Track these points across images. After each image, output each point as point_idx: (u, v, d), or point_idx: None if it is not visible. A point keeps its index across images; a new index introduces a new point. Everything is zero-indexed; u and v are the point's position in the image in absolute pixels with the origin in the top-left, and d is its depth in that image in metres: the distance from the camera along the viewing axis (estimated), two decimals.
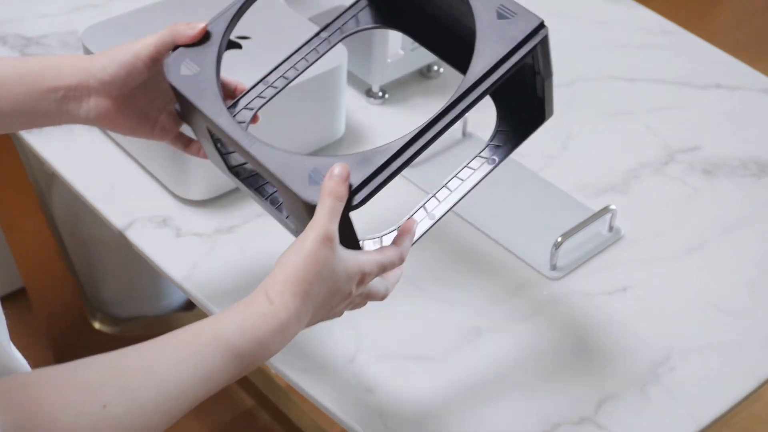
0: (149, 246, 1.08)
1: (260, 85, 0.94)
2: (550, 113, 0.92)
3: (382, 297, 0.86)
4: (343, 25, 0.98)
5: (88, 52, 1.15)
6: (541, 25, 0.83)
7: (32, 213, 1.65)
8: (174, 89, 0.88)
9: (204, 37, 0.90)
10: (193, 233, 1.11)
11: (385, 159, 0.80)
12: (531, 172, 1.21)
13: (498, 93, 0.91)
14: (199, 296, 1.04)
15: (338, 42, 0.97)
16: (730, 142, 1.28)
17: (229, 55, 1.15)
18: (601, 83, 1.37)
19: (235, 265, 1.07)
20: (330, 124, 1.20)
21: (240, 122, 0.89)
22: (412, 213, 0.87)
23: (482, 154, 0.90)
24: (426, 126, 0.81)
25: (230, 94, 0.95)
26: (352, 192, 0.79)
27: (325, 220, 0.78)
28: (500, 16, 0.84)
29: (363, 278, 0.81)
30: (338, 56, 1.17)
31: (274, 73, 0.95)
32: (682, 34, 1.47)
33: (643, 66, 1.40)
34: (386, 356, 1.00)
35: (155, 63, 0.89)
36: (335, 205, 0.78)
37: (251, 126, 0.92)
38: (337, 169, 0.79)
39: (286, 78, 0.95)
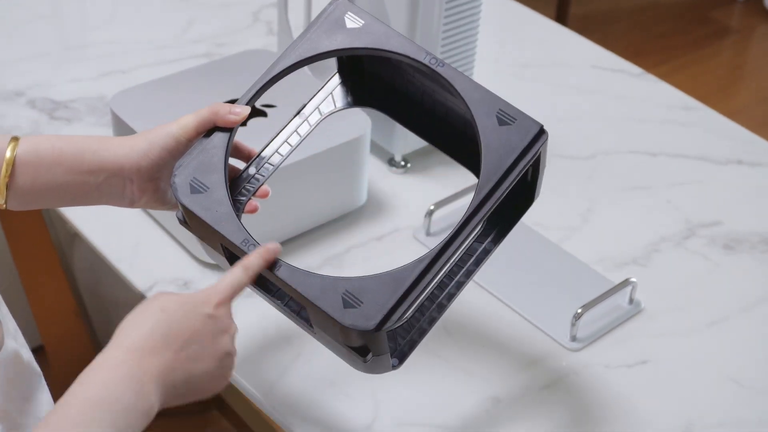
0: None
1: (249, 170, 0.94)
2: (537, 195, 0.92)
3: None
4: (319, 104, 0.99)
5: (116, 117, 1.17)
6: (542, 131, 0.85)
7: (53, 272, 1.66)
8: (185, 208, 0.86)
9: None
10: None
11: (415, 276, 0.80)
12: (552, 243, 1.21)
13: None
14: None
15: (317, 124, 0.97)
16: (750, 218, 1.28)
17: (253, 122, 1.17)
18: (623, 157, 1.38)
19: (253, 329, 1.07)
20: (352, 192, 1.21)
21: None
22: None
23: (482, 242, 0.91)
24: (447, 241, 0.82)
25: (245, 158, 0.94)
26: (386, 317, 0.79)
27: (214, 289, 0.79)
28: (501, 122, 0.85)
29: (218, 301, 0.79)
30: (362, 126, 1.18)
31: (257, 160, 0.94)
32: (703, 109, 1.48)
33: (665, 141, 1.41)
34: (404, 423, 0.99)
35: (194, 142, 0.89)
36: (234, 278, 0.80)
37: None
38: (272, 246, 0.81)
39: (272, 164, 0.94)
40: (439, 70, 0.87)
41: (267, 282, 0.86)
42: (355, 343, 0.81)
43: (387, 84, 1.00)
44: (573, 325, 1.07)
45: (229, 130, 0.89)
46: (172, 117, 1.16)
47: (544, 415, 1.01)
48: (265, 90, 0.92)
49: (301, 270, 0.81)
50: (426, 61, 0.88)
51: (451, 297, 0.88)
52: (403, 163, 1.31)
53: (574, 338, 1.08)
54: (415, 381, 1.03)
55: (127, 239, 1.18)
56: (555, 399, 1.03)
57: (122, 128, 1.17)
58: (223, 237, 0.84)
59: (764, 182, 1.35)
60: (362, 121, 1.19)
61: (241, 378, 1.02)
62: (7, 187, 0.85)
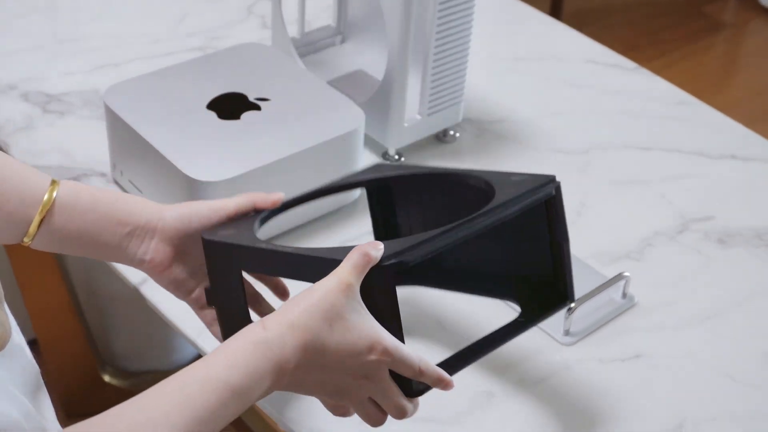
0: (163, 301, 1.09)
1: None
2: (572, 297, 0.97)
3: (400, 409, 0.80)
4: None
5: (110, 111, 1.16)
6: (553, 180, 0.92)
7: (47, 265, 1.66)
8: (206, 242, 0.88)
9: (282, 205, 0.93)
10: None
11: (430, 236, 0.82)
12: None
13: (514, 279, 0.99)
14: (209, 352, 1.03)
15: None
16: (744, 213, 1.28)
17: (247, 116, 1.17)
18: (617, 151, 1.38)
19: None
20: None
21: None
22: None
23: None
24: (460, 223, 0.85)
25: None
26: (398, 253, 0.79)
27: (346, 271, 0.76)
28: (514, 179, 0.92)
29: (381, 350, 0.76)
30: (355, 119, 1.18)
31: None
32: (697, 104, 1.48)
33: (659, 135, 1.41)
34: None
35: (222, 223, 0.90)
36: (361, 259, 0.76)
37: None
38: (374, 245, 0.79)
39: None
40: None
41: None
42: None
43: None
44: (566, 319, 1.08)
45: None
46: (166, 110, 1.17)
47: (538, 410, 1.01)
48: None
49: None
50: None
51: None
52: (396, 156, 1.31)
53: (567, 332, 1.08)
54: None
55: None
56: (548, 393, 1.03)
57: (116, 122, 1.17)
58: (244, 247, 0.86)
59: (758, 177, 1.35)
60: (356, 114, 1.18)
61: None
62: (40, 225, 0.86)
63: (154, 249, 0.89)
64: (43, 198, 0.86)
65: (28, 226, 0.86)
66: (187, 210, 0.89)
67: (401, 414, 0.80)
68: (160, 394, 0.72)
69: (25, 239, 0.87)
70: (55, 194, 0.86)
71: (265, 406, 0.99)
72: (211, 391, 0.72)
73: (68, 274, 1.70)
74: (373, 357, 0.76)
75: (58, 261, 1.67)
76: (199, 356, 1.92)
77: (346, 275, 0.76)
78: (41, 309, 1.71)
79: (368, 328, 0.76)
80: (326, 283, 0.76)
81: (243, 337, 0.75)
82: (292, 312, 0.75)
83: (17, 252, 1.61)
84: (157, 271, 0.91)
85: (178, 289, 0.93)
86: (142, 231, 0.88)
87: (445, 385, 0.80)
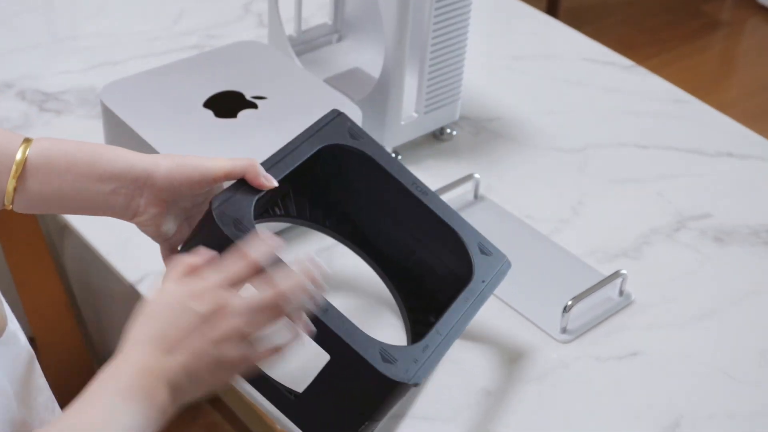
0: None
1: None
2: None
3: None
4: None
5: (106, 109, 1.16)
6: (508, 263, 1.02)
7: (43, 264, 1.66)
8: (211, 218, 0.85)
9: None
10: None
11: (438, 342, 0.91)
12: (542, 235, 1.21)
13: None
14: None
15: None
16: (741, 211, 1.28)
17: (244, 114, 1.17)
18: (613, 150, 1.38)
19: None
20: None
21: None
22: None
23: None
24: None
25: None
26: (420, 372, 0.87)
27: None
28: (482, 251, 1.01)
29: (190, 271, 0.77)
30: (353, 117, 1.18)
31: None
32: (694, 102, 1.48)
33: (655, 133, 1.41)
34: (395, 415, 0.99)
35: (217, 183, 0.88)
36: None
37: None
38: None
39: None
40: (422, 198, 1.00)
41: None
42: (379, 397, 0.86)
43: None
44: (563, 317, 1.08)
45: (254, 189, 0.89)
46: (162, 108, 1.16)
47: (535, 407, 1.01)
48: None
49: (346, 320, 0.85)
50: (412, 189, 1.00)
51: None
52: (394, 155, 1.31)
53: (564, 330, 1.08)
54: None
55: (117, 231, 1.17)
56: (545, 391, 1.03)
57: (112, 120, 1.16)
58: None
59: (755, 175, 1.35)
60: (353, 112, 1.18)
61: None
62: (15, 190, 0.84)
63: (146, 204, 0.86)
64: (15, 158, 0.83)
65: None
66: (178, 174, 0.86)
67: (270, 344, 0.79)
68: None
69: (6, 203, 0.84)
70: (28, 152, 0.83)
71: (265, 406, 0.99)
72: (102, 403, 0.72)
73: (65, 272, 1.70)
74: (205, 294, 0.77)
75: (53, 258, 1.67)
76: None
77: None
78: (38, 306, 1.71)
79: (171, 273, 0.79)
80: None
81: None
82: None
83: (13, 249, 1.61)
84: (144, 225, 0.89)
85: (160, 237, 0.91)
86: (129, 189, 0.85)
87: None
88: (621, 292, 1.13)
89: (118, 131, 1.16)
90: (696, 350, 1.09)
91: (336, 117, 1.00)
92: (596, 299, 1.12)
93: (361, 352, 0.83)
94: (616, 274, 1.12)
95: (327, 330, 0.83)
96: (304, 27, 1.42)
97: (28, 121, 1.34)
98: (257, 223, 0.88)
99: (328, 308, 0.84)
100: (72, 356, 1.80)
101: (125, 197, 0.86)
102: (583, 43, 1.61)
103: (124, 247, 1.16)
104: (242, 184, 0.88)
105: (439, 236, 1.01)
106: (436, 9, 1.22)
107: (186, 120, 1.15)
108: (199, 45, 1.50)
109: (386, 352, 0.85)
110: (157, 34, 1.53)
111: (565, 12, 3.19)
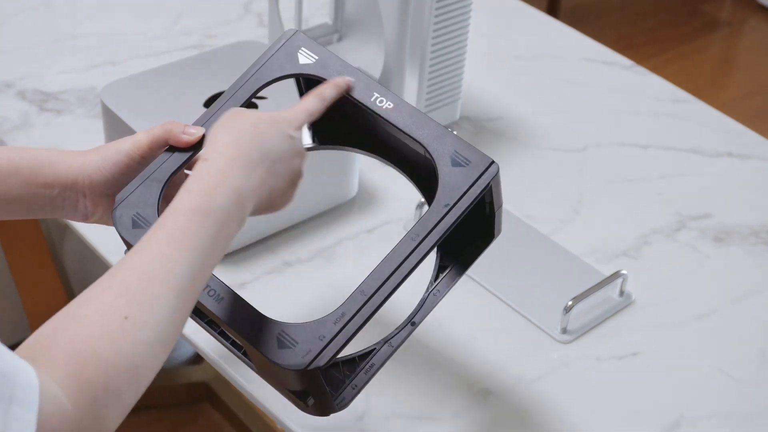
0: None
1: None
2: (499, 232, 0.94)
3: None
4: None
5: (106, 109, 1.16)
6: (492, 163, 0.86)
7: (44, 264, 1.66)
8: (128, 243, 0.84)
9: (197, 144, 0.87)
10: None
11: (352, 313, 0.80)
12: (543, 235, 1.21)
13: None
14: (207, 350, 1.04)
15: None
16: (741, 210, 1.28)
17: None
18: (614, 149, 1.38)
19: None
20: (343, 185, 1.21)
21: None
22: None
23: (441, 278, 0.92)
24: (394, 270, 0.82)
25: None
26: (324, 348, 0.79)
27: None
28: (455, 164, 0.86)
29: (297, 125, 0.84)
30: None
31: None
32: (694, 102, 1.48)
33: (656, 133, 1.41)
34: (395, 415, 0.99)
35: (148, 159, 0.87)
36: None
37: None
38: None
39: None
40: (385, 115, 0.88)
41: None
42: (293, 384, 0.81)
43: (346, 118, 0.97)
44: (564, 317, 1.08)
45: (185, 150, 0.87)
46: (162, 108, 1.16)
47: (535, 408, 1.01)
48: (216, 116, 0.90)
49: (245, 306, 0.81)
50: (372, 106, 0.89)
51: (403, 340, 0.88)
52: None
53: (564, 330, 1.09)
54: (406, 373, 1.03)
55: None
56: (545, 391, 1.03)
57: (112, 120, 1.16)
58: None
59: (754, 175, 1.35)
60: None
61: (231, 369, 1.02)
62: None
63: (92, 204, 0.86)
64: None
65: None
66: (107, 164, 0.85)
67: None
68: (147, 248, 0.72)
69: None
70: None
71: (265, 405, 0.99)
72: (181, 220, 0.73)
73: (65, 272, 1.70)
74: (293, 137, 0.83)
75: (54, 259, 1.67)
76: (196, 354, 1.93)
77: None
78: (38, 306, 1.71)
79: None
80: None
81: (192, 172, 0.78)
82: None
83: (13, 250, 1.61)
84: (101, 220, 0.89)
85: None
86: (71, 192, 0.85)
87: (344, 81, 0.89)
88: (621, 292, 1.13)
89: (118, 131, 1.16)
90: (696, 350, 1.09)
91: (292, 36, 0.94)
92: (596, 299, 1.12)
93: (251, 341, 0.79)
94: (616, 274, 1.12)
95: (222, 321, 0.81)
96: (304, 27, 1.42)
97: (28, 120, 1.34)
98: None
99: (224, 297, 0.81)
100: None
101: (70, 200, 0.86)
102: (583, 43, 1.61)
103: (124, 247, 1.16)
104: (174, 148, 0.86)
105: (413, 153, 0.93)
106: (436, 9, 1.22)
107: (186, 120, 1.14)
108: (199, 45, 1.50)
109: (285, 334, 0.79)
110: (157, 34, 1.53)
111: (565, 12, 3.19)
